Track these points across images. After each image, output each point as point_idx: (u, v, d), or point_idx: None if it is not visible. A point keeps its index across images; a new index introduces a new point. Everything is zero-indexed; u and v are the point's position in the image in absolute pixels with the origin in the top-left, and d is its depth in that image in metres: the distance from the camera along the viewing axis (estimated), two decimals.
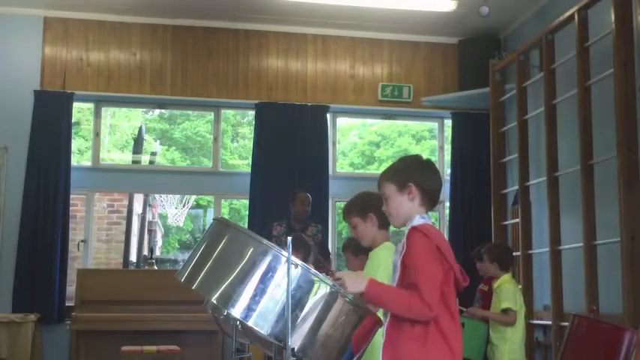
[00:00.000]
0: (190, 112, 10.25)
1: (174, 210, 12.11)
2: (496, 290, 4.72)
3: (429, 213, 2.50)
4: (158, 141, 12.36)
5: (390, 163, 2.75)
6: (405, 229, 2.46)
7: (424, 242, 2.32)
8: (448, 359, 2.34)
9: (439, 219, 7.86)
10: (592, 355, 3.94)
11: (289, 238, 2.20)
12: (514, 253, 6.42)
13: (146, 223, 11.49)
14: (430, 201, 2.49)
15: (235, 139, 11.92)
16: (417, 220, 2.43)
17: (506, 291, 4.64)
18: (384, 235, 3.12)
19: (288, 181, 7.18)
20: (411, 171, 2.49)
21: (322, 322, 2.15)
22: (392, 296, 2.32)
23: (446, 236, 7.36)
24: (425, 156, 2.63)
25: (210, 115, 7.88)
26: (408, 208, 2.45)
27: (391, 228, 3.00)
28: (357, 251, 3.91)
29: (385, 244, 3.11)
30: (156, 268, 7.41)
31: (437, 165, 8.63)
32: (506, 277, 4.75)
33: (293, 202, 6.37)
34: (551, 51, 5.94)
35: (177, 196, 11.62)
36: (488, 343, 4.71)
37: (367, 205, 3.08)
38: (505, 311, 4.59)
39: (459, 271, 2.38)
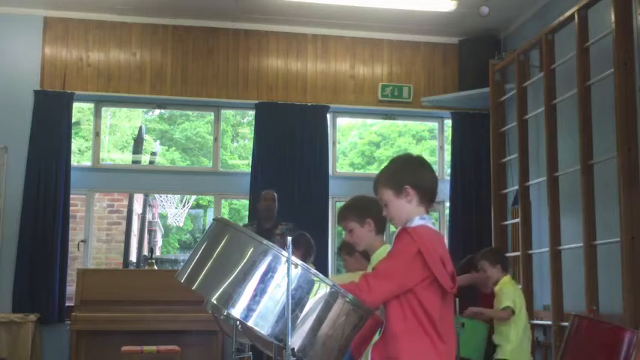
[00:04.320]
0: (190, 113, 10.27)
1: (174, 210, 12.12)
2: (497, 292, 4.72)
3: (430, 213, 2.50)
4: (158, 141, 12.37)
5: None
6: None
7: (406, 243, 2.33)
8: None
9: (439, 219, 7.85)
10: (592, 355, 3.93)
11: (289, 238, 2.19)
12: (514, 254, 6.42)
13: (146, 223, 11.50)
14: (428, 199, 2.48)
15: (235, 139, 11.93)
16: (416, 222, 2.42)
17: (507, 291, 4.65)
18: (380, 240, 3.11)
19: (288, 181, 7.18)
20: (404, 173, 2.47)
21: (322, 322, 2.15)
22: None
23: (446, 236, 7.39)
24: (419, 155, 2.60)
25: (210, 115, 7.87)
26: (407, 210, 2.45)
27: (392, 229, 3.00)
28: (352, 251, 3.89)
29: (386, 246, 3.10)
30: (156, 268, 7.40)
31: (437, 165, 8.50)
32: (506, 279, 4.75)
33: (258, 201, 6.42)
34: (551, 51, 5.93)
35: (177, 196, 11.63)
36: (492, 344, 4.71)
37: (365, 210, 3.05)
38: (503, 310, 4.60)
39: (447, 279, 2.33)
